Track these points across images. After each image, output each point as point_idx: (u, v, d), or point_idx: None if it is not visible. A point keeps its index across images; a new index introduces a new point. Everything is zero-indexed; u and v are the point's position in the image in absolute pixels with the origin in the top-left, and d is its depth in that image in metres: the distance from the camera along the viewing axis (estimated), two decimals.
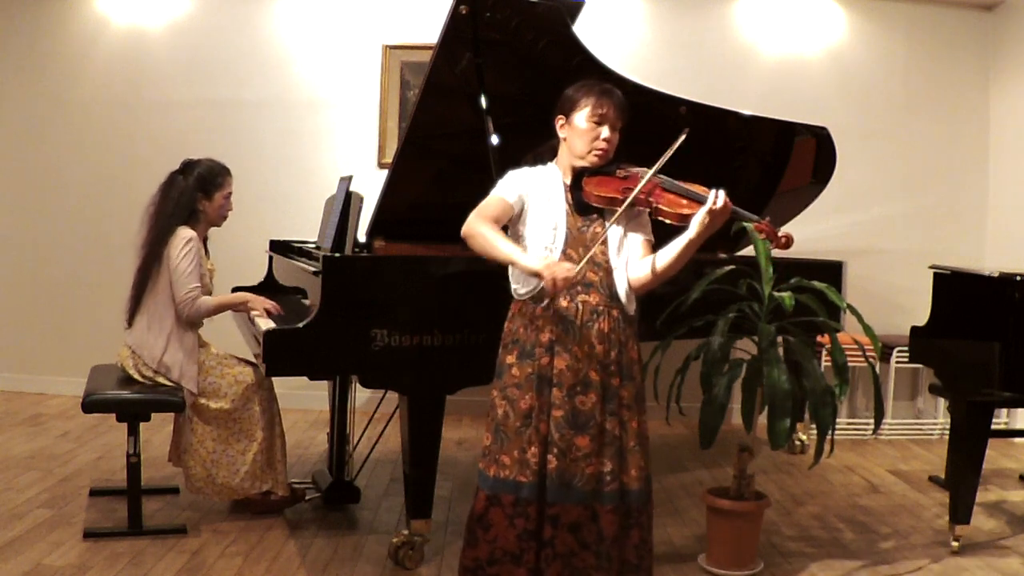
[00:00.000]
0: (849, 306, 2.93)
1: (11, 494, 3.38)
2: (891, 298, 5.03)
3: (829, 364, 3.02)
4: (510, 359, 2.36)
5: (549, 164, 2.45)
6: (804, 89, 5.10)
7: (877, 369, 3.30)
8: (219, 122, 5.12)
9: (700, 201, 2.27)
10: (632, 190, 2.27)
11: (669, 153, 2.26)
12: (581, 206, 2.36)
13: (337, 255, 2.87)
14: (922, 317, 3.28)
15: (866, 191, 5.14)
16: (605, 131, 2.34)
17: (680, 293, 3.01)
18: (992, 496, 3.82)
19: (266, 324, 2.92)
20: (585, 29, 3.08)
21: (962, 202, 5.20)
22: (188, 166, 3.25)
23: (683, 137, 2.25)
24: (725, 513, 2.90)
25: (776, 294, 2.83)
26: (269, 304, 3.20)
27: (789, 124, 3.92)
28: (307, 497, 3.39)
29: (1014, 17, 4.98)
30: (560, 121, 2.40)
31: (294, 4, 5.15)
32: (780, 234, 2.37)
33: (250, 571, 2.78)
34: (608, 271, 2.34)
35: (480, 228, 2.29)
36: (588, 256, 2.27)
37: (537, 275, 2.19)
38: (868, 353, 3.45)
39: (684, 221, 2.28)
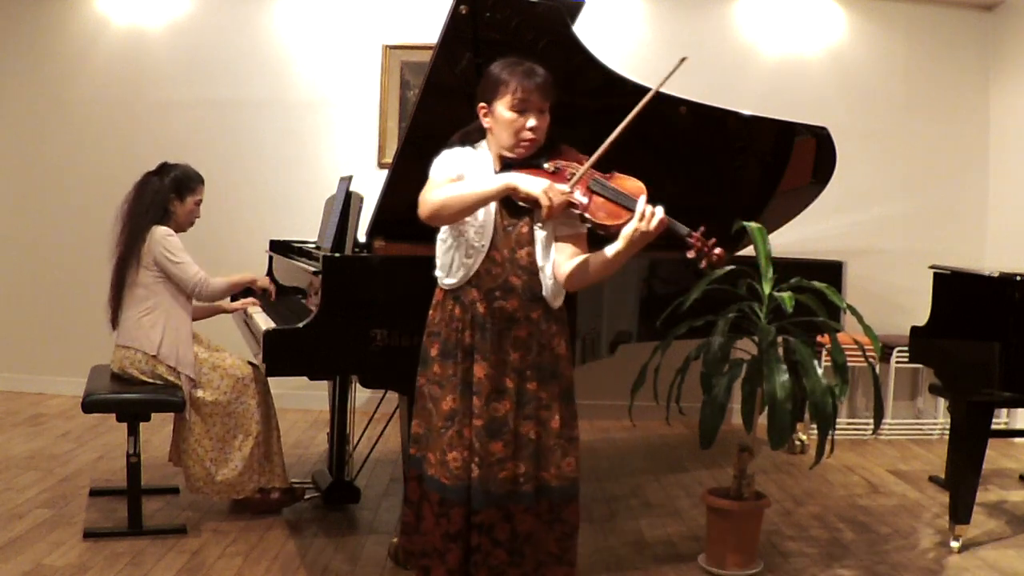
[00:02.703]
0: (849, 306, 2.94)
1: (11, 494, 3.38)
2: (891, 298, 5.03)
3: (829, 364, 3.02)
4: (433, 352, 2.29)
5: (479, 146, 2.31)
6: (804, 89, 5.10)
7: (877, 369, 3.30)
8: (219, 122, 5.13)
9: (630, 209, 2.10)
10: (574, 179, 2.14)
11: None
12: (508, 203, 2.20)
13: (337, 255, 2.87)
14: (922, 317, 3.28)
15: (866, 191, 5.14)
16: (531, 120, 2.18)
17: (680, 293, 3.01)
18: (992, 496, 3.82)
19: (266, 324, 2.92)
20: (585, 29, 3.08)
21: (962, 202, 5.20)
22: (163, 168, 3.29)
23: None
24: (725, 513, 2.90)
25: (776, 294, 2.83)
26: (266, 283, 3.43)
27: (789, 124, 3.92)
28: (307, 497, 3.40)
29: (1014, 17, 4.98)
30: (483, 110, 2.24)
31: (294, 4, 5.15)
32: (713, 251, 2.15)
33: (250, 571, 2.78)
34: (533, 273, 2.24)
35: (443, 191, 2.15)
36: (579, 174, 2.14)
37: (536, 200, 2.08)
38: (868, 353, 3.45)
39: (610, 232, 2.12)
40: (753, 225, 2.99)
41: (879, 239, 5.17)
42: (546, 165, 2.23)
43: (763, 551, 3.04)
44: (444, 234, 2.31)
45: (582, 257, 2.22)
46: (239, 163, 5.11)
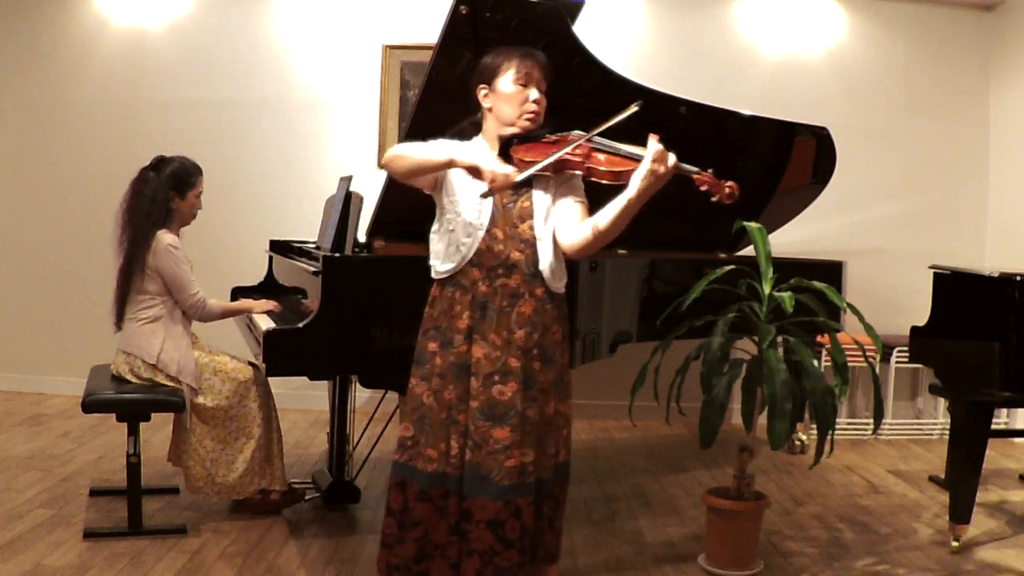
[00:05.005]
0: (849, 306, 2.94)
1: (11, 494, 3.38)
2: (891, 298, 5.03)
3: (829, 364, 3.02)
4: (432, 346, 2.28)
5: (474, 139, 2.36)
6: (804, 89, 5.10)
7: (877, 369, 3.30)
8: (219, 122, 5.13)
9: (637, 159, 2.13)
10: (559, 152, 2.17)
11: (614, 121, 2.15)
12: None
13: (337, 255, 2.87)
14: (922, 317, 3.28)
15: (866, 191, 5.14)
16: (533, 92, 2.25)
17: (680, 293, 3.02)
18: (992, 496, 3.82)
19: (266, 324, 2.92)
20: (585, 29, 3.08)
21: (962, 202, 5.20)
22: (160, 163, 3.23)
23: (633, 109, 2.15)
24: (725, 513, 2.90)
25: (776, 294, 2.83)
26: (269, 305, 3.30)
27: (789, 124, 3.92)
28: (307, 497, 3.40)
29: (1014, 17, 4.98)
30: (483, 90, 2.30)
31: (294, 4, 5.15)
32: (724, 184, 2.22)
33: (250, 571, 2.78)
34: (533, 246, 2.25)
35: (401, 147, 2.22)
36: (536, 168, 2.15)
37: (476, 170, 2.10)
38: (868, 353, 3.45)
39: (620, 179, 2.14)
40: (753, 225, 2.99)
41: (879, 239, 5.17)
42: (547, 137, 2.26)
43: (763, 551, 3.04)
44: (436, 224, 2.32)
45: (589, 220, 2.22)
46: (239, 163, 5.12)
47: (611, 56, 3.24)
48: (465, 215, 2.24)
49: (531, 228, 2.25)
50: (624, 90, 3.19)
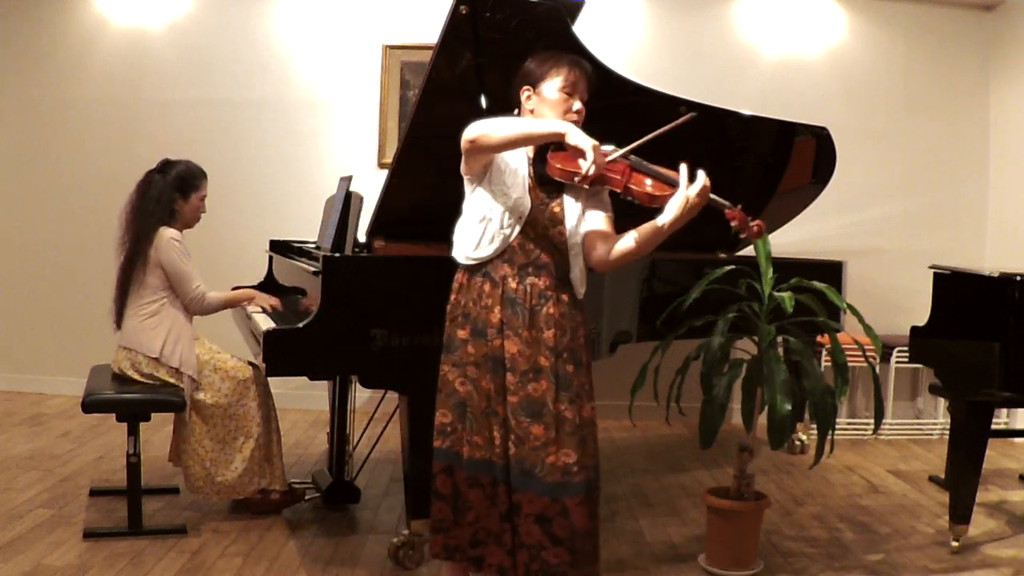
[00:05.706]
0: (849, 306, 2.94)
1: (11, 494, 3.38)
2: (891, 298, 5.03)
3: (829, 364, 3.02)
4: (462, 334, 2.29)
5: None
6: (804, 89, 5.10)
7: (877, 369, 3.30)
8: (219, 122, 5.13)
9: (673, 184, 2.17)
10: (627, 147, 2.20)
11: (653, 135, 2.19)
12: (543, 179, 2.25)
13: (337, 255, 2.87)
14: (922, 317, 3.28)
15: (866, 191, 5.14)
16: (577, 103, 2.27)
17: (680, 293, 3.02)
18: (992, 496, 3.82)
19: (266, 324, 2.93)
20: (585, 29, 3.07)
21: (962, 202, 5.20)
22: (166, 166, 3.26)
23: (677, 123, 2.19)
24: (725, 513, 2.90)
25: (776, 294, 2.83)
26: (272, 301, 3.29)
27: (789, 124, 3.92)
28: (307, 497, 3.40)
29: (1014, 17, 4.98)
30: (526, 92, 2.31)
31: (294, 4, 5.15)
32: (752, 223, 2.25)
33: (250, 571, 2.78)
34: (563, 253, 2.27)
35: (487, 122, 2.18)
36: (627, 149, 2.19)
37: (582, 152, 2.10)
38: (868, 353, 3.45)
39: (655, 203, 2.18)
40: None
41: (879, 239, 5.17)
42: None
43: (763, 551, 3.04)
44: (475, 209, 2.31)
45: (620, 237, 2.25)
46: (239, 163, 5.12)
47: (611, 56, 3.23)
48: (506, 206, 2.25)
49: (560, 234, 2.27)
50: (624, 90, 3.19)
